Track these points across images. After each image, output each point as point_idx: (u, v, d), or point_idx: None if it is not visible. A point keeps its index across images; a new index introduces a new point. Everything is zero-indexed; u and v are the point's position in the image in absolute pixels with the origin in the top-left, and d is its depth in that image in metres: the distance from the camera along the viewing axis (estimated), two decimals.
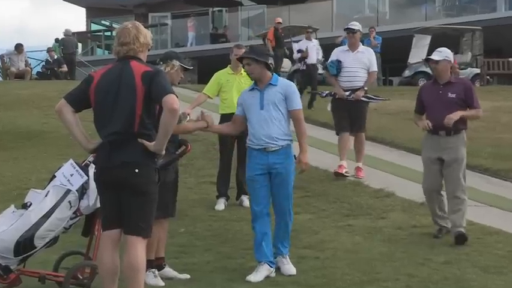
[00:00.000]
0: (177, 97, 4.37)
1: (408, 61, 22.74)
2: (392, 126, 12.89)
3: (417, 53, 21.99)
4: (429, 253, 6.26)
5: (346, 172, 9.07)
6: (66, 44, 22.87)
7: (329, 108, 9.55)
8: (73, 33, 24.49)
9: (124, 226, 4.44)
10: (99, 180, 4.52)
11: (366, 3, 29.05)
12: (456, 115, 6.67)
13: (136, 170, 4.35)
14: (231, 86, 7.99)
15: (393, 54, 22.01)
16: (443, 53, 6.88)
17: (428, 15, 27.06)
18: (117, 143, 4.38)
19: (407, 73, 22.91)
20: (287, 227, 5.86)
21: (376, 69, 9.51)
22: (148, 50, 4.61)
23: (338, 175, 9.03)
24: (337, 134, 9.34)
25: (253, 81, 5.89)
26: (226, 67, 8.24)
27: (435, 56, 6.87)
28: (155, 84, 4.37)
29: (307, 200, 8.24)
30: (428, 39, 22.62)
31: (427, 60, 7.12)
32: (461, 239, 6.58)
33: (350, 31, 9.28)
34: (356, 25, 9.36)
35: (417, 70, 22.21)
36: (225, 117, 7.63)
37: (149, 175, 4.42)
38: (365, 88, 9.24)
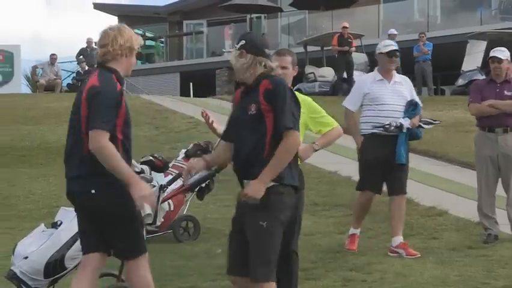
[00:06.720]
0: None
1: (462, 69, 22.49)
2: (444, 139, 12.78)
3: (472, 60, 21.74)
4: (487, 277, 6.13)
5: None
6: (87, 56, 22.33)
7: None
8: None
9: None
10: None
11: (415, 7, 28.85)
12: (488, 101, 7.12)
13: (93, 191, 4.24)
14: None
15: (445, 61, 21.81)
16: (505, 53, 7.32)
17: (483, 19, 26.72)
18: (69, 167, 4.36)
19: (460, 82, 22.63)
20: None
21: (421, 103, 7.18)
22: (138, 58, 4.47)
23: (351, 250, 7.02)
24: (359, 189, 7.20)
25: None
26: None
27: (499, 54, 7.27)
28: (92, 108, 4.15)
29: None
30: (483, 45, 22.30)
31: (488, 59, 7.50)
32: None
33: (393, 54, 7.00)
34: (396, 46, 7.15)
35: (472, 78, 21.88)
36: None
37: (107, 196, 4.25)
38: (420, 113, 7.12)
